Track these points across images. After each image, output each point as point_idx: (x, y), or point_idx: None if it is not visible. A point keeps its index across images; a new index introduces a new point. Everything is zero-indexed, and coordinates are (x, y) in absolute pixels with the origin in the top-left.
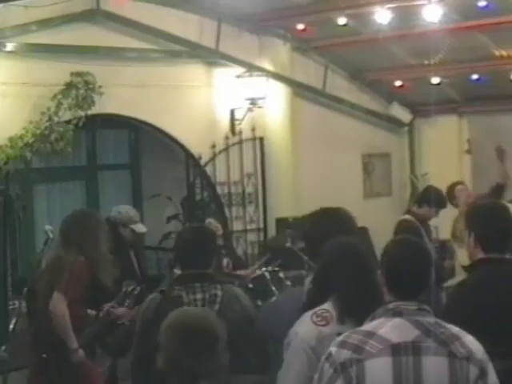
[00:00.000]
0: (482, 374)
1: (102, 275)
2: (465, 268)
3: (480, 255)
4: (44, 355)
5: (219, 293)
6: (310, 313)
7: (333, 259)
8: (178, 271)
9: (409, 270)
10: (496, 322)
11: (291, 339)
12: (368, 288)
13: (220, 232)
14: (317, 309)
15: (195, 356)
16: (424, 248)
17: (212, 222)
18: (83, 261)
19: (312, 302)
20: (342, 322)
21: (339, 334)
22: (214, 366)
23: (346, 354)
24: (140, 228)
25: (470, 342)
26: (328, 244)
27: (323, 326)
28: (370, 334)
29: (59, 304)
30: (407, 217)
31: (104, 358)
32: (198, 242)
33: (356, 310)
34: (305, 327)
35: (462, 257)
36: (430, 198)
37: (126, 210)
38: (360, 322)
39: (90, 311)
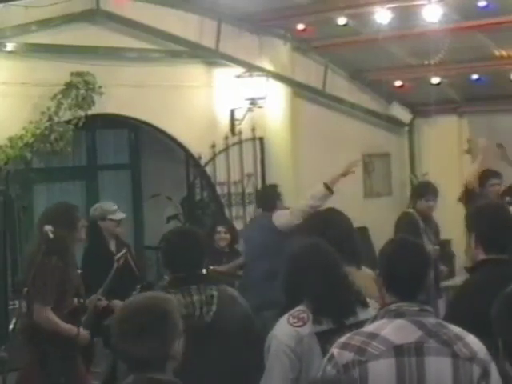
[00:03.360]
0: (485, 373)
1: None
2: (467, 269)
3: (481, 256)
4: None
5: (215, 293)
6: (286, 315)
7: (297, 264)
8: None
9: (407, 271)
10: None
11: (270, 343)
12: (336, 285)
13: (226, 241)
14: (294, 310)
15: (127, 338)
16: (421, 247)
17: (221, 231)
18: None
19: (288, 305)
20: (319, 322)
21: (318, 334)
22: (152, 351)
23: (348, 355)
24: (118, 215)
25: (473, 342)
26: (290, 249)
27: (300, 326)
28: (373, 336)
29: (42, 314)
30: (410, 210)
31: (103, 360)
32: (186, 244)
33: (329, 309)
34: (282, 330)
35: None
36: (421, 191)
37: (100, 205)
38: (336, 320)
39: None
